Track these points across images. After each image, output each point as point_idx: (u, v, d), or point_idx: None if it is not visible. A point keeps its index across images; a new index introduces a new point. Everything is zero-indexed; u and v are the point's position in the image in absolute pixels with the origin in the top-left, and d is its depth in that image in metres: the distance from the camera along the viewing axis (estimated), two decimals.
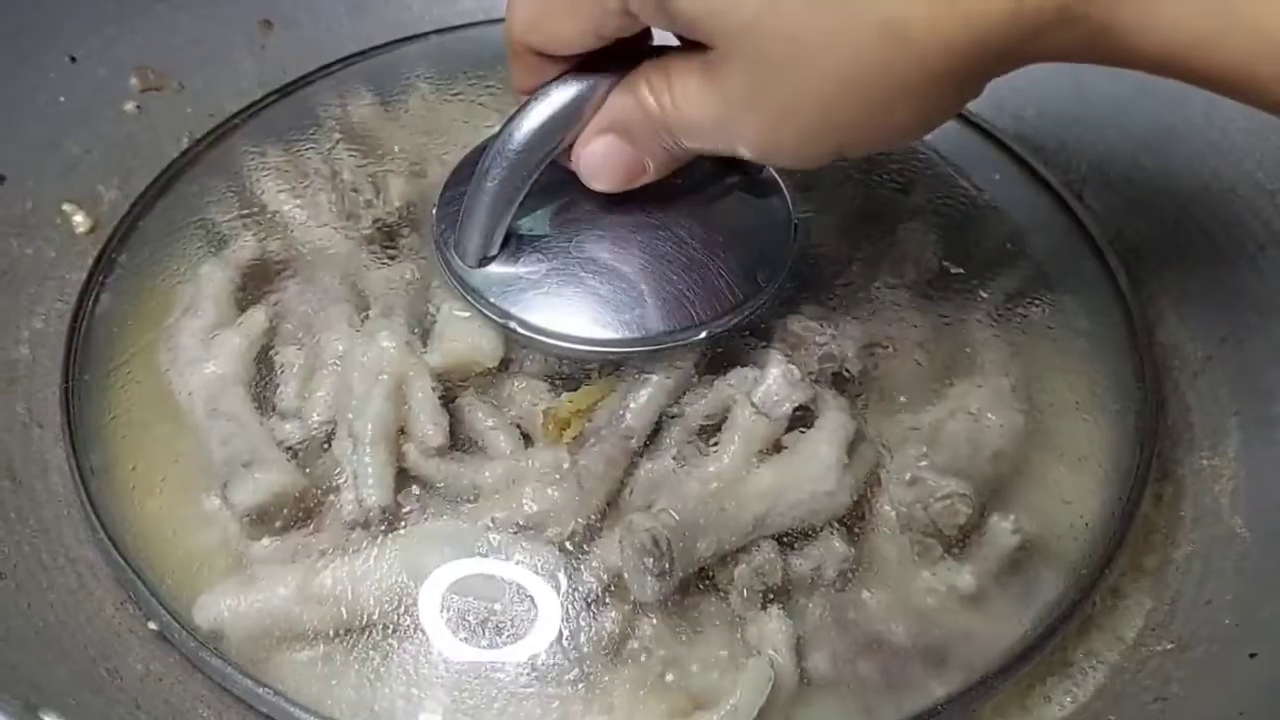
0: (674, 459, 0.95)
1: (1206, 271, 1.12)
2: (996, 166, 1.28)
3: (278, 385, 1.03)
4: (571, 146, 0.85)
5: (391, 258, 1.10)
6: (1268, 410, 1.02)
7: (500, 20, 1.37)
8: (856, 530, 0.96)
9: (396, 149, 1.16)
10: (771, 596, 0.89)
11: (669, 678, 0.90)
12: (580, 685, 0.87)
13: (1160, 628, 0.95)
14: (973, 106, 1.26)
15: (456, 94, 1.36)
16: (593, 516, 0.92)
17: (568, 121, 0.83)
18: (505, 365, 0.98)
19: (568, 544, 0.91)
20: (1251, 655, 0.86)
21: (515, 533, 0.90)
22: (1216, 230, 1.11)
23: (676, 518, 0.85)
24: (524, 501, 0.93)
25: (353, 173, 1.11)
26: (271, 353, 1.05)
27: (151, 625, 0.92)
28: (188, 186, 1.22)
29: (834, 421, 0.92)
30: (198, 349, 1.02)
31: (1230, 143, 1.11)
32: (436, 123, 1.33)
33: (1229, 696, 0.85)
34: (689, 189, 0.93)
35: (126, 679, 0.87)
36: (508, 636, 0.87)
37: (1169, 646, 0.93)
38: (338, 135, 1.21)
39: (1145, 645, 0.94)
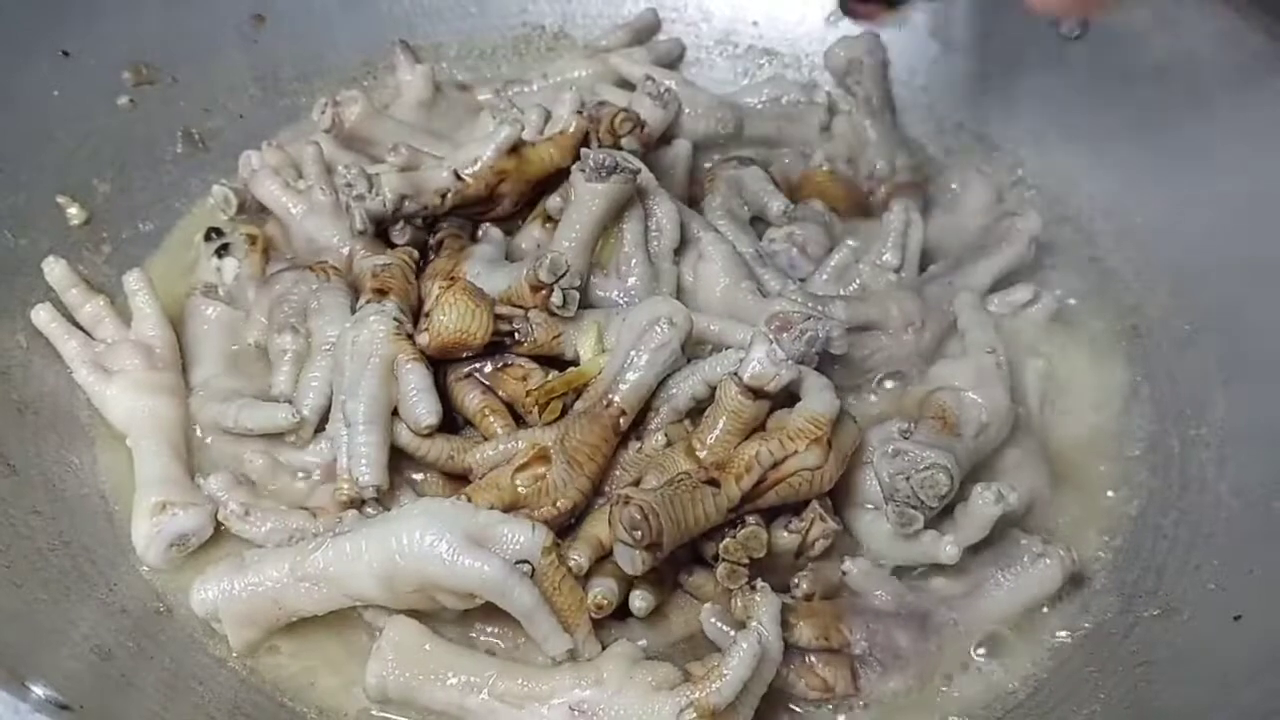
0: (662, 437, 0.96)
1: (1195, 243, 1.12)
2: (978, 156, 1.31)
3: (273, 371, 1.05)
4: None
5: (383, 248, 1.11)
6: (1253, 378, 1.03)
7: (491, 18, 1.40)
8: (841, 505, 0.97)
9: (389, 145, 1.17)
10: (758, 570, 0.90)
11: (658, 650, 0.92)
12: (571, 658, 0.87)
13: (1147, 594, 0.95)
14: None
15: (449, 91, 1.38)
16: (582, 494, 0.93)
17: None
18: (495, 346, 0.98)
19: (558, 521, 0.93)
20: (1235, 618, 0.87)
21: (506, 511, 0.91)
22: (1204, 202, 1.12)
23: (664, 493, 0.86)
24: (515, 480, 0.94)
25: (346, 168, 1.12)
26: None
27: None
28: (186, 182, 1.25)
29: (818, 400, 0.92)
30: None
31: (1215, 113, 1.12)
32: (428, 119, 1.35)
33: (1213, 658, 0.85)
34: None
35: (118, 657, 0.87)
36: (499, 613, 0.87)
37: (1155, 612, 0.93)
38: (332, 132, 1.22)
39: (1131, 611, 0.95)
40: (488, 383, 1.01)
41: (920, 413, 1.00)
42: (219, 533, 0.98)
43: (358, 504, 0.96)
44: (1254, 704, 0.74)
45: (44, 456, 1.00)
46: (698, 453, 0.92)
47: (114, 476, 1.02)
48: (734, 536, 0.89)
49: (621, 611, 0.91)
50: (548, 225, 1.11)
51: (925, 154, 1.32)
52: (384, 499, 0.96)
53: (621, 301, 1.05)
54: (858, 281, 1.11)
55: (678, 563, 0.93)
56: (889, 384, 1.08)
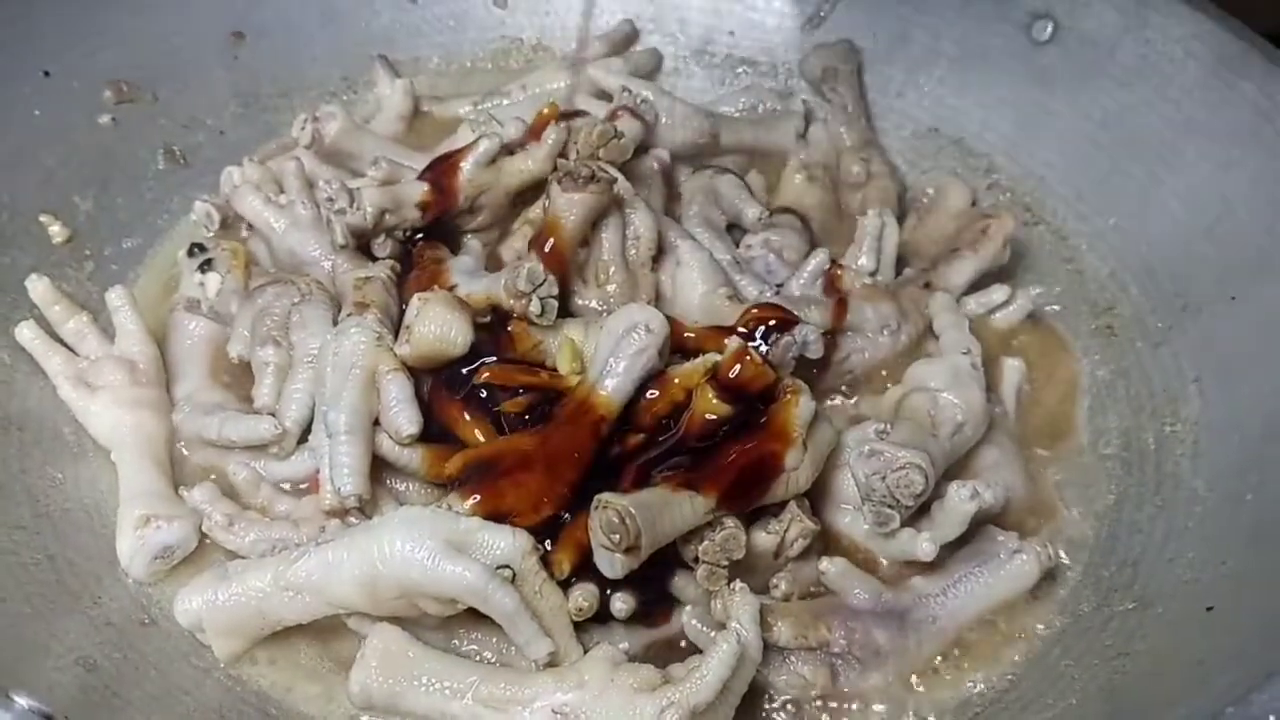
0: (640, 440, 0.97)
1: (1167, 243, 1.13)
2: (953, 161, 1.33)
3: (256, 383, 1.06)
4: None
5: (365, 261, 1.12)
6: (1226, 375, 1.04)
7: (470, 32, 1.41)
8: (819, 505, 0.98)
9: (370, 159, 1.18)
10: (737, 571, 0.91)
11: (639, 652, 0.93)
12: (553, 662, 0.88)
13: (1123, 588, 0.96)
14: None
15: (428, 105, 1.39)
16: (563, 500, 0.94)
17: None
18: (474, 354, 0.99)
19: (538, 527, 0.93)
20: (1208, 609, 0.88)
21: (487, 518, 0.92)
22: (1175, 203, 1.13)
23: (641, 498, 0.86)
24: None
25: (327, 182, 1.13)
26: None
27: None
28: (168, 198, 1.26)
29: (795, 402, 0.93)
30: None
31: (1184, 115, 1.13)
32: (408, 133, 1.36)
33: (1187, 649, 0.86)
34: None
35: (103, 669, 0.88)
36: (482, 619, 0.88)
37: (1131, 606, 0.94)
38: (313, 147, 1.23)
39: (1108, 605, 0.96)
40: None
41: (896, 414, 1.01)
42: (203, 544, 0.99)
43: (340, 513, 0.96)
44: (1225, 690, 0.75)
45: (28, 472, 1.01)
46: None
47: (98, 491, 1.02)
48: (712, 539, 0.89)
49: (603, 615, 0.91)
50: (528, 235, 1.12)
51: (901, 159, 1.34)
52: (366, 508, 0.96)
53: (601, 309, 1.06)
54: (832, 284, 1.12)
55: (658, 566, 0.94)
56: (865, 386, 1.09)
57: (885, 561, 0.98)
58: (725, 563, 0.90)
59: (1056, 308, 1.20)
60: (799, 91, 1.39)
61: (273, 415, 1.01)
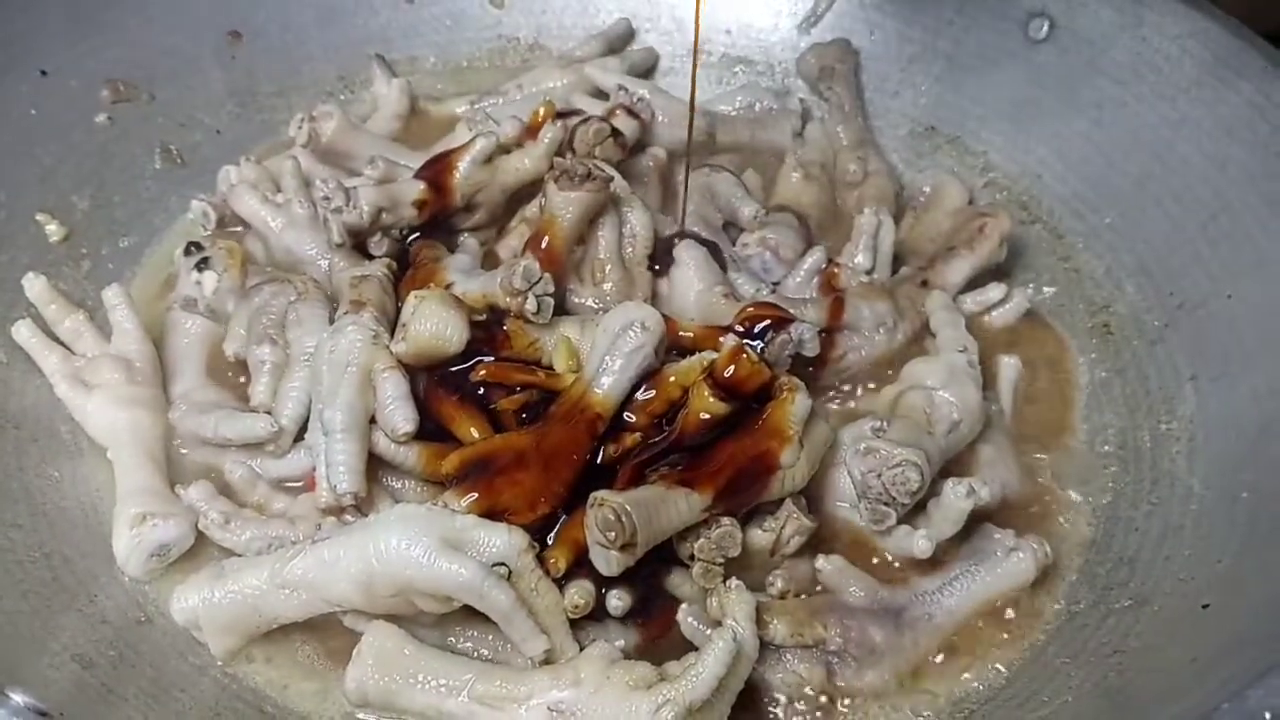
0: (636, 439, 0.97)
1: (1163, 241, 1.13)
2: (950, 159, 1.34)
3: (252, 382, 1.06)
4: None
5: (361, 259, 1.12)
6: (1222, 373, 1.04)
7: (466, 31, 1.41)
8: (815, 501, 0.98)
9: (366, 158, 1.18)
10: (733, 569, 0.91)
11: (634, 649, 0.93)
12: (549, 659, 0.88)
13: (1119, 586, 0.96)
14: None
15: (425, 104, 1.39)
16: (560, 498, 0.94)
17: None
18: (470, 352, 0.99)
19: (534, 524, 0.93)
20: (1204, 606, 0.88)
21: (483, 515, 0.92)
22: (1171, 201, 1.13)
23: (637, 495, 0.86)
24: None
25: (324, 181, 1.13)
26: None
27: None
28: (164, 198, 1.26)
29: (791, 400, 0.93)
30: None
31: (1180, 113, 1.13)
32: (405, 132, 1.36)
33: (1182, 646, 0.86)
34: None
35: (99, 666, 0.88)
36: (478, 616, 0.88)
37: (1127, 603, 0.94)
38: (309, 146, 1.23)
39: (1104, 603, 0.96)
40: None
41: (893, 411, 1.01)
42: (199, 542, 0.99)
43: (336, 511, 0.96)
44: (1220, 687, 0.75)
45: (25, 470, 1.01)
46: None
47: (95, 489, 1.03)
48: (708, 537, 0.90)
49: (599, 612, 0.91)
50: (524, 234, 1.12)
51: (897, 157, 1.34)
52: (363, 506, 0.96)
53: (597, 308, 1.06)
54: (828, 282, 1.12)
55: (654, 563, 0.94)
56: (862, 383, 1.09)
57: (890, 556, 0.98)
58: (721, 560, 0.90)
59: (1052, 305, 1.20)
60: (795, 90, 1.39)
61: (269, 413, 1.01)
